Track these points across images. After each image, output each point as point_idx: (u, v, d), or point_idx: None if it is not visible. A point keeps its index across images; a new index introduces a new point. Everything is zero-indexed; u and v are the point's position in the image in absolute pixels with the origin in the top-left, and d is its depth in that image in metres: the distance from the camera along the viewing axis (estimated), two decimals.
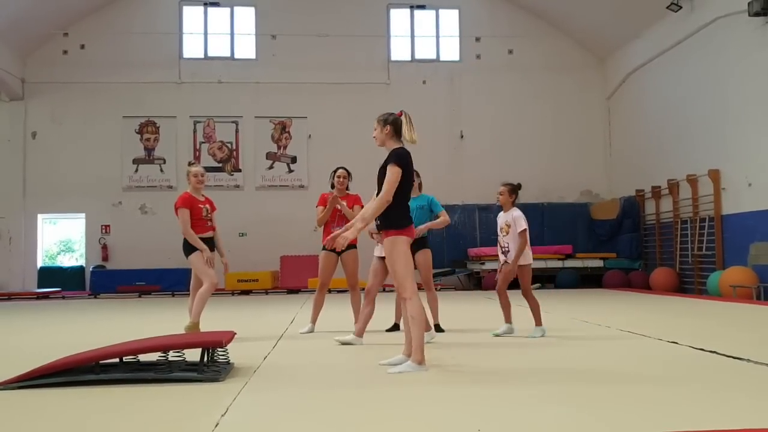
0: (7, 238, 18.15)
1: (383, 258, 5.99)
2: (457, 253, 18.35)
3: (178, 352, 4.61)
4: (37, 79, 18.34)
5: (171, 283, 16.77)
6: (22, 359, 5.16)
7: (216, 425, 3.21)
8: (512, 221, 6.58)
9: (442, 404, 3.65)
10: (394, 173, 4.80)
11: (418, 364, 4.67)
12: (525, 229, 6.53)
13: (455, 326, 7.40)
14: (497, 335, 6.66)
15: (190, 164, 7.14)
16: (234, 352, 5.10)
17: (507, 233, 6.63)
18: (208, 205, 6.97)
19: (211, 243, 6.86)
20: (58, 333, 8.14)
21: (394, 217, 4.88)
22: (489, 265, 17.28)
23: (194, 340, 4.70)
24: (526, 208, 19.04)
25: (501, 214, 6.78)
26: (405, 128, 5.00)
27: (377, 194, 4.94)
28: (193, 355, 4.58)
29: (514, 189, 6.72)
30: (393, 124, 5.03)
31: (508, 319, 6.76)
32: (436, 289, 7.80)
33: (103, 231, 18.44)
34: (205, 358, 4.50)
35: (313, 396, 3.94)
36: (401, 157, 4.87)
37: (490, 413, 3.41)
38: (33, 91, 18.39)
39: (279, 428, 3.24)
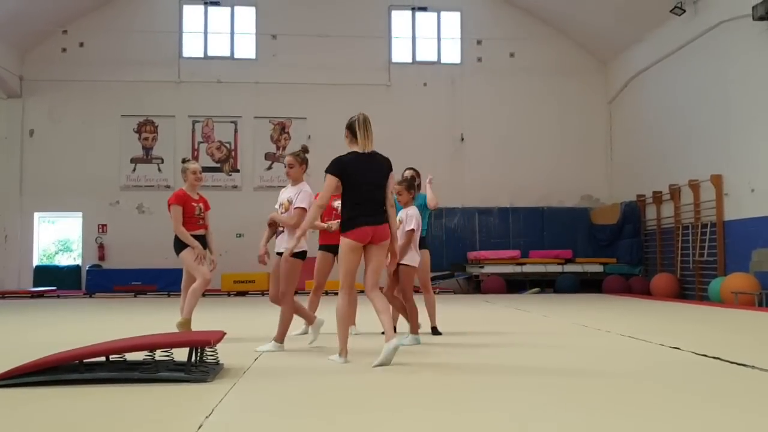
0: (3, 237, 18.03)
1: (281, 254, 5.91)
2: (456, 256, 18.23)
3: (165, 351, 4.47)
4: (36, 77, 18.24)
5: (167, 283, 16.60)
6: (9, 358, 5.02)
7: (200, 427, 3.09)
8: (405, 218, 6.34)
9: (438, 408, 3.53)
10: (326, 181, 4.97)
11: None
12: (413, 230, 6.30)
13: (453, 329, 7.29)
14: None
15: (186, 161, 7.03)
16: (225, 353, 4.98)
17: (398, 229, 6.48)
18: (201, 204, 6.87)
19: (202, 241, 6.74)
20: (48, 332, 8.01)
21: (343, 219, 5.01)
22: (488, 269, 17.18)
23: (181, 340, 4.57)
24: (526, 212, 19.09)
25: (401, 211, 6.57)
26: (357, 131, 4.91)
27: None
28: (181, 354, 4.46)
29: (410, 185, 6.48)
30: (350, 127, 5.02)
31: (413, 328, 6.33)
32: (434, 292, 7.65)
33: (100, 230, 18.31)
34: (194, 358, 4.37)
35: (301, 398, 3.82)
36: (333, 165, 4.96)
37: (487, 417, 3.30)
38: (31, 88, 18.28)
39: (263, 431, 3.12)
